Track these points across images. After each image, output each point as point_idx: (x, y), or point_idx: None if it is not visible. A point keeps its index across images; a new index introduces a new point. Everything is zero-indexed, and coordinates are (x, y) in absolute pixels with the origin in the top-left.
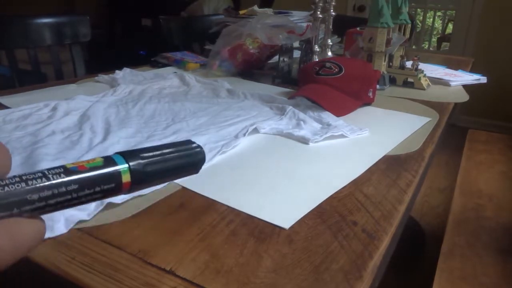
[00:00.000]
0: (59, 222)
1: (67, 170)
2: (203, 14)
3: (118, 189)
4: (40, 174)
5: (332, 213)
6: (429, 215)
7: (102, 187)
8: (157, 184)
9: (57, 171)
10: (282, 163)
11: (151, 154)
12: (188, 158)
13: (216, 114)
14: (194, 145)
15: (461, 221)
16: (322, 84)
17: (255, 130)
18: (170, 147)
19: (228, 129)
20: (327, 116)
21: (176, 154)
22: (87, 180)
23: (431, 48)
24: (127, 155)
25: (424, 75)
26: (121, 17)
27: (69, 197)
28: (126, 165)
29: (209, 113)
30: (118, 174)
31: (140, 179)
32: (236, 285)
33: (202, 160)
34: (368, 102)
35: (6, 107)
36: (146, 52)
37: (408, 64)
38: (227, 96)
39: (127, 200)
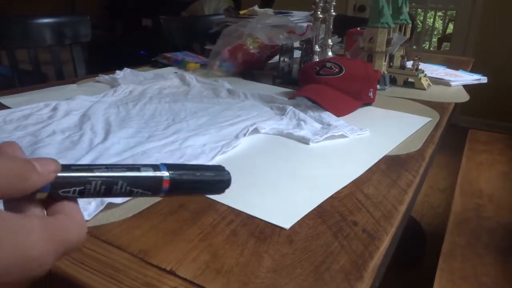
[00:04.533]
0: None
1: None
2: (203, 14)
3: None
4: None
5: (333, 213)
6: (430, 215)
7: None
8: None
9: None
10: (282, 163)
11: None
12: (217, 179)
13: (216, 114)
14: (225, 170)
15: (461, 221)
16: (323, 84)
17: (256, 130)
18: (203, 169)
19: (229, 129)
20: (328, 116)
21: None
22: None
23: (431, 48)
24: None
25: (425, 75)
26: (122, 17)
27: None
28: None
29: (210, 113)
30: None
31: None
32: (237, 285)
33: (228, 182)
34: (368, 102)
35: (7, 107)
36: (146, 52)
37: (409, 64)
38: (228, 96)
39: (128, 201)
